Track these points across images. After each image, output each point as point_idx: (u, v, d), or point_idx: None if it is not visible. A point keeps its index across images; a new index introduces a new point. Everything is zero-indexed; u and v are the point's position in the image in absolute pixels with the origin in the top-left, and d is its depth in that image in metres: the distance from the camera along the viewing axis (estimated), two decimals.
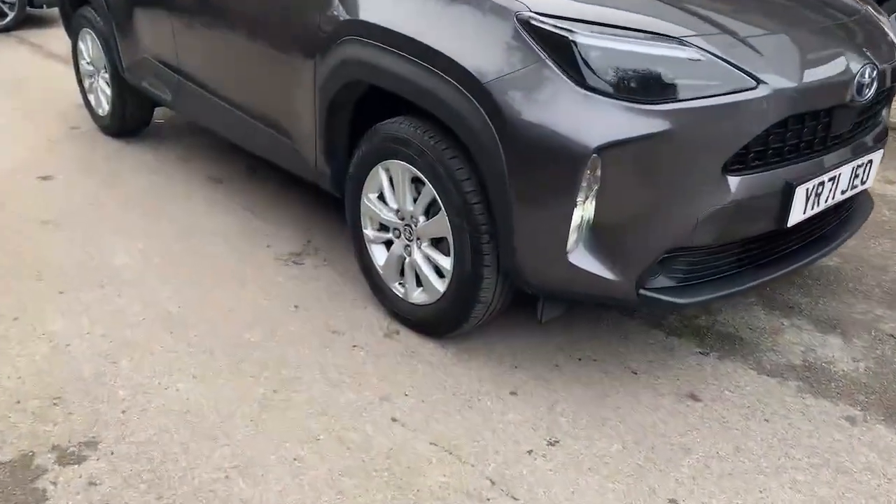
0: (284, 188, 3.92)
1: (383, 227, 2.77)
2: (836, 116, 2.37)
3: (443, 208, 2.43)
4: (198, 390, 2.42)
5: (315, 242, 3.39)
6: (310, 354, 2.61)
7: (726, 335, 2.78)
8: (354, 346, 2.66)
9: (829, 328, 2.84)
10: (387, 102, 2.69)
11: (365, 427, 2.28)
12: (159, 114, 4.84)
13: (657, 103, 2.08)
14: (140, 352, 2.60)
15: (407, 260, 2.67)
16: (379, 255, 2.81)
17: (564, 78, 2.11)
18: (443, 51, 2.27)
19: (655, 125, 2.07)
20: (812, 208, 2.41)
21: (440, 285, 2.56)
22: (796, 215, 2.35)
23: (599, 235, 2.19)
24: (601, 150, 2.06)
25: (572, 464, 2.16)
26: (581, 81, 2.10)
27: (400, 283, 2.76)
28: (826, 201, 2.47)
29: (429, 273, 2.60)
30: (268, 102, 3.15)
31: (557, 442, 2.24)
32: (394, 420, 2.31)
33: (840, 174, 2.46)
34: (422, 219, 2.56)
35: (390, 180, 2.64)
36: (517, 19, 2.17)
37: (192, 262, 3.19)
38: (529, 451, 2.20)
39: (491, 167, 2.22)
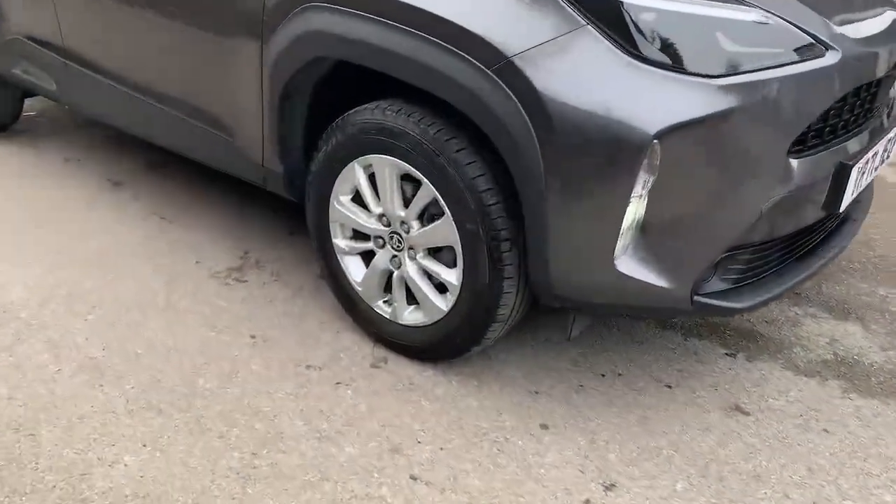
0: (200, 187, 3.33)
1: (360, 236, 2.30)
2: (883, 86, 2.12)
3: (447, 212, 2.00)
4: (153, 464, 1.88)
5: (255, 254, 2.86)
6: (286, 400, 2.12)
7: (746, 332, 2.51)
8: (338, 382, 2.19)
9: (843, 315, 2.64)
10: (358, 84, 2.22)
11: (381, 492, 1.83)
12: (32, 106, 4.07)
13: (722, 76, 1.73)
14: (65, 417, 2.02)
15: (395, 274, 2.22)
16: (354, 269, 2.33)
17: (612, 47, 1.72)
18: (452, 18, 1.82)
19: (721, 102, 1.72)
20: (857, 190, 2.16)
21: (443, 303, 2.13)
22: (847, 198, 2.08)
23: (651, 237, 1.83)
24: (661, 135, 1.69)
25: None
26: (632, 51, 1.72)
27: (385, 302, 2.30)
28: (866, 180, 2.22)
29: (426, 289, 2.16)
30: (197, 90, 2.57)
31: (614, 486, 1.88)
32: (413, 478, 1.87)
33: (878, 150, 2.22)
34: (415, 225, 2.11)
35: (370, 179, 2.18)
36: None
37: (108, 289, 2.58)
38: (587, 502, 1.83)
39: (521, 161, 1.81)
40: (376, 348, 2.34)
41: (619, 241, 1.82)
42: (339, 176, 2.22)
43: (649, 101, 1.70)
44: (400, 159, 2.05)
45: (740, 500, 1.85)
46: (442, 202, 2.00)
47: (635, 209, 1.78)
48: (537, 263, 1.90)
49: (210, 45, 2.42)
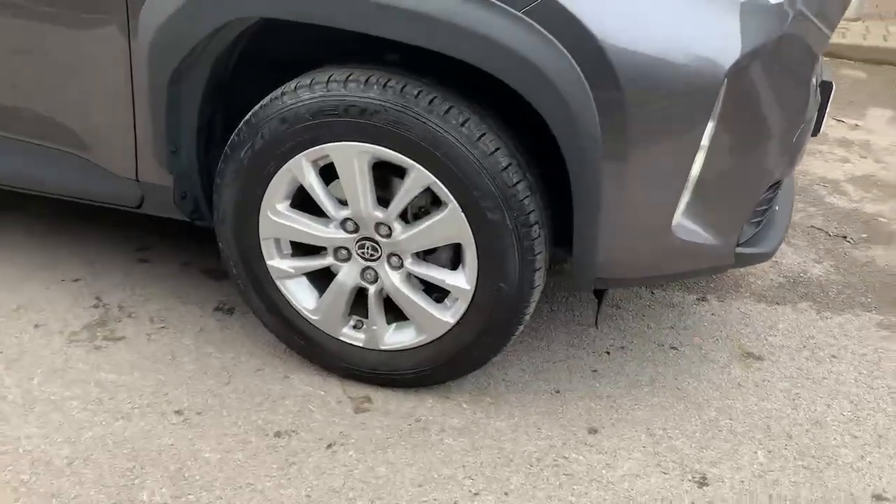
0: None
1: (308, 251, 1.77)
2: None
3: (452, 202, 1.57)
4: None
5: (111, 297, 2.13)
6: (278, 488, 1.57)
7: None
8: (330, 445, 1.68)
9: None
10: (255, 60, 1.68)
11: None
12: None
13: None
14: None
15: (371, 290, 1.74)
16: (302, 294, 1.80)
17: None
18: None
19: (779, 24, 1.51)
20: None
21: (447, 314, 1.70)
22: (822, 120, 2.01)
23: (703, 192, 1.58)
24: (731, 70, 1.44)
25: (748, 493, 1.60)
26: None
27: (354, 327, 1.81)
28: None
29: (421, 301, 1.71)
30: (24, 97, 1.80)
31: (705, 479, 1.64)
32: None
33: None
34: (398, 225, 1.65)
35: (321, 175, 1.66)
36: None
37: None
38: None
39: (570, 124, 1.43)
40: (347, 387, 1.85)
41: (679, 204, 1.55)
42: (275, 178, 1.66)
43: (716, 32, 1.43)
44: (374, 144, 1.56)
45: (821, 454, 1.72)
46: (444, 190, 1.56)
47: (699, 163, 1.51)
48: (585, 243, 1.57)
49: (37, 28, 1.68)
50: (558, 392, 1.87)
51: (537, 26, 1.38)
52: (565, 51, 1.39)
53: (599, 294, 1.74)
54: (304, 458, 1.64)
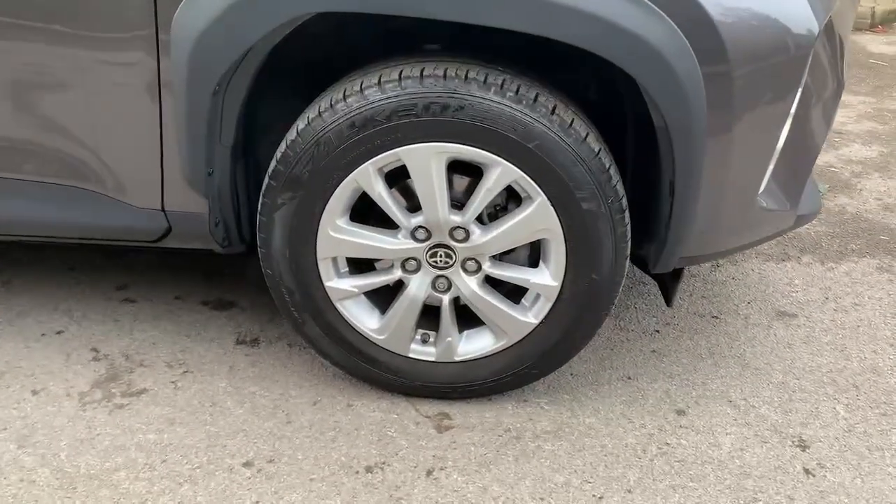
0: None
1: (368, 267, 1.62)
2: None
3: (540, 195, 1.47)
4: None
5: (110, 347, 1.87)
6: None
7: None
8: (430, 472, 1.54)
9: None
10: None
11: None
12: None
13: None
14: None
15: (445, 300, 1.61)
16: (363, 314, 1.64)
17: None
18: None
19: None
20: None
21: (529, 315, 1.61)
22: None
23: (782, 158, 1.58)
24: (817, 38, 1.44)
25: (849, 448, 1.62)
26: None
27: (423, 341, 1.68)
28: None
29: (501, 304, 1.60)
30: (29, 131, 1.52)
31: (804, 442, 1.65)
32: None
33: None
34: (476, 228, 1.53)
35: (389, 183, 1.51)
36: None
37: None
38: (806, 472, 1.58)
39: (679, 101, 1.37)
40: (419, 406, 1.72)
41: (766, 173, 1.54)
42: (337, 191, 1.50)
43: (801, 3, 1.42)
44: (455, 142, 1.44)
45: (890, 399, 1.79)
46: (532, 184, 1.47)
47: (786, 130, 1.51)
48: (681, 221, 1.52)
49: (45, 51, 1.42)
50: (630, 378, 1.83)
51: (651, 5, 1.31)
52: (677, 28, 1.33)
53: (677, 273, 1.71)
54: (408, 490, 1.50)
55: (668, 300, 1.76)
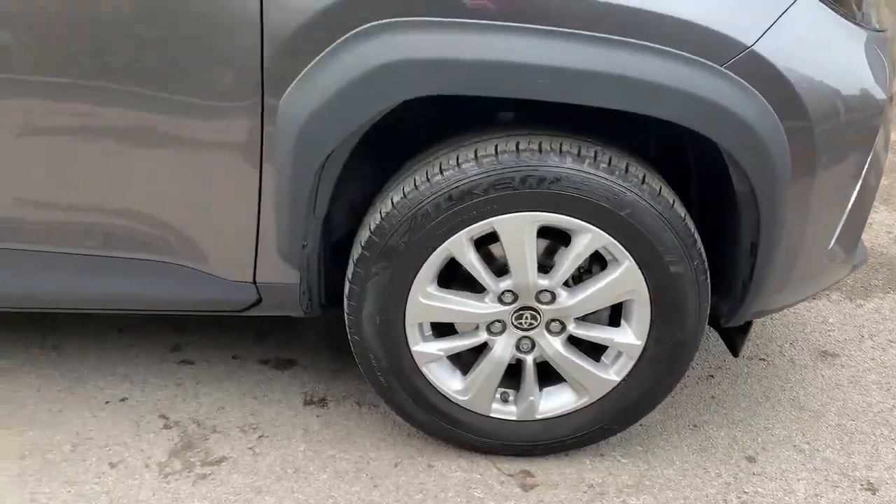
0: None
1: (451, 329, 1.65)
2: None
3: (628, 259, 1.53)
4: None
5: (179, 414, 1.86)
6: None
7: None
8: None
9: None
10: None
11: None
12: None
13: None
14: None
15: (528, 360, 1.65)
16: (446, 376, 1.67)
17: (834, 14, 1.47)
18: (665, 12, 1.34)
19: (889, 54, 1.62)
20: None
21: (610, 372, 1.65)
22: None
23: (851, 210, 1.66)
24: (888, 98, 1.53)
25: None
26: (849, 16, 1.49)
27: (503, 400, 1.71)
28: None
29: (584, 363, 1.65)
30: (124, 210, 1.55)
31: (872, 485, 1.72)
32: None
33: None
34: (563, 291, 1.58)
35: (479, 250, 1.55)
36: None
37: None
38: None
39: (765, 165, 1.44)
40: (499, 465, 1.74)
41: (838, 227, 1.62)
42: (429, 259, 1.53)
43: (875, 65, 1.50)
44: (548, 212, 1.49)
45: None
46: (621, 249, 1.52)
47: (859, 184, 1.59)
48: (762, 280, 1.58)
49: (150, 132, 1.44)
50: (696, 426, 1.89)
51: (737, 78, 1.38)
52: (761, 96, 1.40)
53: (746, 325, 1.77)
54: None
55: (735, 351, 1.82)
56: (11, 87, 1.48)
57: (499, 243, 1.56)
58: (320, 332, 2.19)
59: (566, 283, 1.60)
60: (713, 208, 1.69)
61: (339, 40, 1.36)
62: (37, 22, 1.42)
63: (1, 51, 1.44)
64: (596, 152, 1.47)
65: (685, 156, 1.72)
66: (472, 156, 1.47)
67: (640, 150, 1.65)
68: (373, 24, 1.36)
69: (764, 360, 2.14)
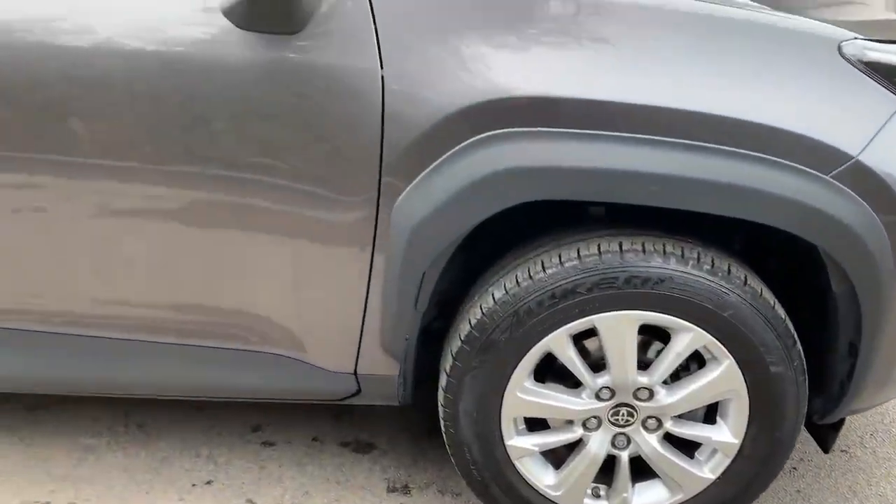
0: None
1: (545, 425, 1.65)
2: None
3: (729, 358, 1.53)
4: None
5: (265, 496, 1.87)
6: None
7: None
8: None
9: None
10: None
11: None
12: None
13: None
14: None
15: (623, 456, 1.65)
16: (539, 470, 1.67)
17: None
18: (773, 124, 1.38)
19: None
20: None
21: (705, 470, 1.64)
22: None
23: None
24: None
25: None
26: None
27: (595, 495, 1.70)
28: None
29: (679, 460, 1.64)
30: (226, 301, 1.60)
31: None
32: None
33: None
34: (661, 389, 1.59)
35: (578, 347, 1.57)
36: (845, 51, 1.44)
37: None
38: None
39: (870, 269, 1.45)
40: None
41: None
42: (528, 354, 1.55)
43: None
44: (651, 311, 1.50)
45: None
46: (722, 349, 1.53)
47: None
48: (861, 379, 1.58)
49: (263, 222, 1.50)
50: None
51: (842, 186, 1.41)
52: (864, 201, 1.42)
53: (839, 421, 1.76)
54: None
55: (826, 448, 1.80)
56: (129, 175, 1.53)
57: (594, 338, 1.58)
58: (395, 413, 2.20)
59: (664, 381, 1.61)
60: (803, 307, 1.70)
61: (452, 150, 1.42)
62: (151, 111, 1.49)
63: (123, 140, 1.51)
64: (698, 253, 1.49)
65: (767, 252, 1.73)
66: (575, 255, 1.50)
67: (725, 246, 1.68)
68: (485, 135, 1.41)
69: (845, 451, 2.11)
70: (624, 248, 1.49)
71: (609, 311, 1.51)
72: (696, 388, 1.58)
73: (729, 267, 1.50)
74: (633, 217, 1.56)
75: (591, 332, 1.56)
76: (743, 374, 1.55)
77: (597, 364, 1.60)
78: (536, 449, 1.65)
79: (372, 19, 1.43)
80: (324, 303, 1.57)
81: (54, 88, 1.47)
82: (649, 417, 1.62)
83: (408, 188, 1.45)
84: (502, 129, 1.41)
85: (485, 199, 1.43)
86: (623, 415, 1.61)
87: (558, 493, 1.68)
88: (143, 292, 1.65)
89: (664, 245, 1.50)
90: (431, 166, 1.43)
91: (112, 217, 1.57)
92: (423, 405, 1.75)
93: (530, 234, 1.61)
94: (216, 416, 2.16)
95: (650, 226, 1.55)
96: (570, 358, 1.56)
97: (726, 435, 1.62)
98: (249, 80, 1.44)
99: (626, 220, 1.57)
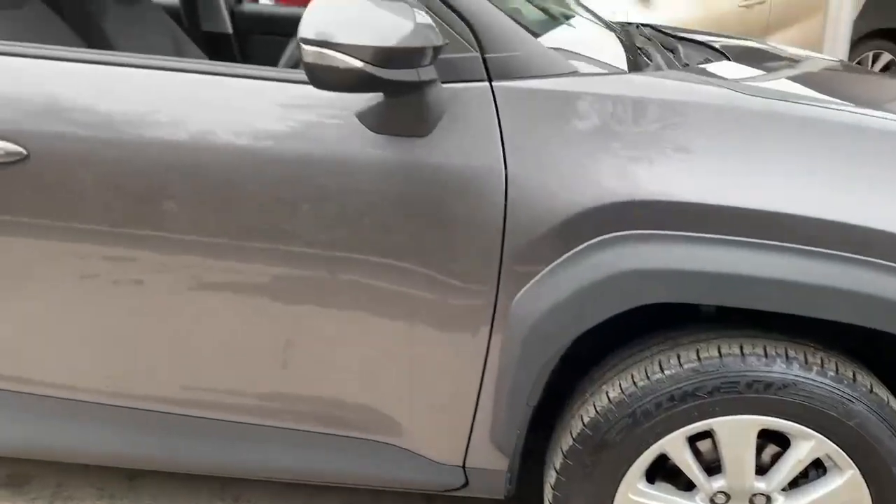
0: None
1: None
2: None
3: (853, 468, 1.48)
4: None
5: None
6: None
7: None
8: None
9: None
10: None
11: None
12: None
13: None
14: None
15: None
16: None
17: None
18: (885, 228, 1.39)
19: None
20: None
21: None
22: None
23: None
24: None
25: None
26: None
27: None
28: None
29: None
30: (330, 384, 1.64)
31: None
32: None
33: None
34: (780, 496, 1.54)
35: (692, 448, 1.54)
36: None
37: None
38: None
39: None
40: None
41: None
42: (642, 455, 1.53)
43: None
44: (772, 416, 1.47)
45: None
46: (845, 458, 1.48)
47: None
48: None
49: (375, 313, 1.53)
50: None
51: None
52: None
53: None
54: None
55: None
56: (245, 255, 1.56)
57: (708, 439, 1.55)
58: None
59: (783, 488, 1.56)
60: None
61: (574, 250, 1.43)
62: (270, 200, 1.54)
63: (237, 223, 1.55)
64: (822, 359, 1.46)
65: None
66: (695, 356, 1.49)
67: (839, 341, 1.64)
68: (608, 236, 1.42)
69: None
70: (745, 351, 1.47)
71: (729, 415, 1.48)
72: (817, 498, 1.52)
73: (854, 374, 1.46)
74: (744, 316, 1.54)
75: (706, 433, 1.54)
76: (868, 485, 1.50)
77: (710, 466, 1.56)
78: None
79: (497, 123, 1.47)
80: (436, 393, 1.58)
81: (157, 175, 1.54)
82: None
83: (529, 284, 1.46)
84: (625, 230, 1.42)
85: (608, 299, 1.43)
86: None
87: None
88: (252, 376, 1.69)
89: (786, 349, 1.47)
90: (553, 264, 1.44)
91: (222, 301, 1.62)
92: (523, 495, 1.73)
93: (629, 322, 1.60)
94: (313, 493, 2.16)
95: (761, 324, 1.53)
96: (686, 461, 1.53)
97: None
98: (378, 176, 1.49)
99: (736, 319, 1.55)
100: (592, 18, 2.23)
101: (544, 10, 2.18)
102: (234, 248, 1.57)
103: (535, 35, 1.65)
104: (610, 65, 1.71)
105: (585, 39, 1.90)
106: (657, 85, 1.54)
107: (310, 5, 1.31)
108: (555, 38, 1.84)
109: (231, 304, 1.62)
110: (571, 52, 1.68)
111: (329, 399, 1.66)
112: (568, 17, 2.19)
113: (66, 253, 1.61)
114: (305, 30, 1.31)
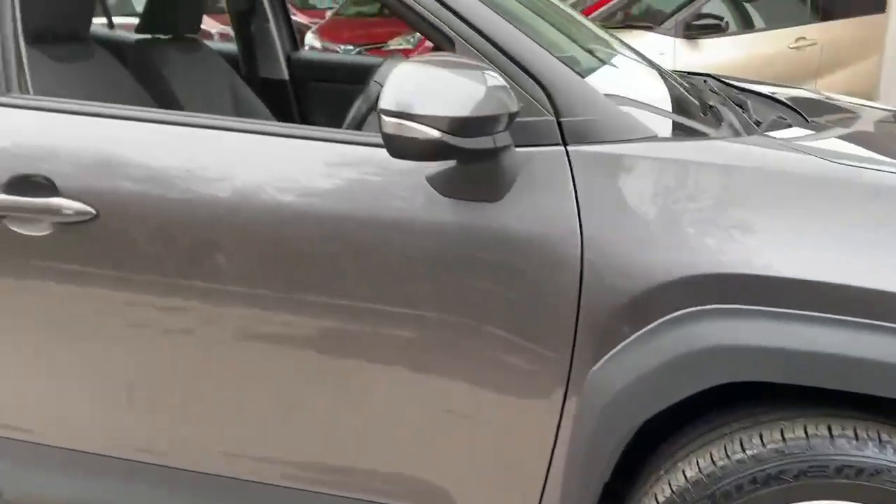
0: None
1: None
2: None
3: None
4: None
5: None
6: None
7: None
8: None
9: None
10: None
11: None
12: None
13: None
14: None
15: None
16: None
17: None
18: None
19: None
20: None
21: None
22: None
23: None
24: None
25: None
26: None
27: None
28: None
29: None
30: (401, 462, 1.60)
31: None
32: None
33: None
34: None
35: None
36: None
37: None
38: None
39: None
40: None
41: None
42: None
43: None
44: (859, 502, 1.38)
45: None
46: None
47: None
48: None
49: (435, 372, 1.49)
50: None
51: None
52: None
53: None
54: None
55: None
56: (301, 309, 1.55)
57: None
58: None
59: None
60: None
61: (653, 323, 1.38)
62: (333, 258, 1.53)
63: (291, 280, 1.54)
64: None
65: None
66: (779, 436, 1.40)
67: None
68: (688, 310, 1.37)
69: None
70: (834, 432, 1.39)
71: (815, 499, 1.40)
72: None
73: None
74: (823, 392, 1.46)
75: None
76: None
77: None
78: None
79: (573, 188, 1.42)
80: (499, 466, 1.52)
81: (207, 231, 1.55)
82: None
83: (609, 355, 1.40)
84: (706, 305, 1.36)
85: (695, 374, 1.37)
86: None
87: None
88: (304, 441, 1.65)
89: (878, 432, 1.38)
90: (631, 338, 1.39)
91: (271, 365, 1.60)
92: None
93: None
94: None
95: (846, 402, 1.44)
96: None
97: None
98: (447, 238, 1.46)
99: (814, 396, 1.47)
100: (661, 70, 2.15)
101: (590, 52, 2.11)
102: (293, 302, 1.55)
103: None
104: (686, 125, 1.66)
105: (655, 95, 1.84)
106: (741, 152, 1.48)
107: (390, 77, 1.29)
108: (618, 87, 1.78)
109: (285, 367, 1.60)
110: (639, 103, 1.61)
111: (380, 466, 1.61)
112: (622, 64, 2.12)
113: (129, 305, 1.61)
114: (386, 101, 1.29)
